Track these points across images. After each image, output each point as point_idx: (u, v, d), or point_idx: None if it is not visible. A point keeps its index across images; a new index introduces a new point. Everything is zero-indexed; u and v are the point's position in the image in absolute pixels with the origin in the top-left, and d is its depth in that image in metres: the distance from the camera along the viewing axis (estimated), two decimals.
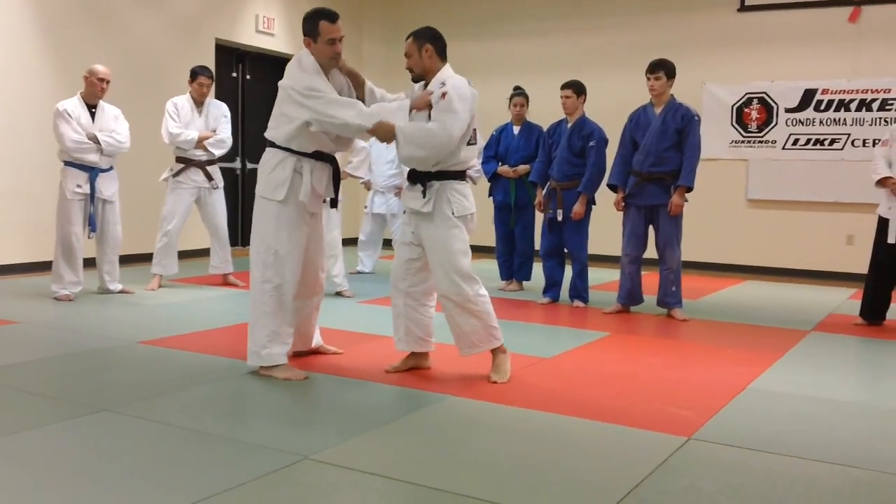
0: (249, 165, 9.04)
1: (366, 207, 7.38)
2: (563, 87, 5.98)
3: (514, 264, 6.74)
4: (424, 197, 3.68)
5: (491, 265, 7.08)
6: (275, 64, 9.38)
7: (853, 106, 8.04)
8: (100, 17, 7.35)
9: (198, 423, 3.04)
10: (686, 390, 3.71)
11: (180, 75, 6.64)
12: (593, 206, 6.03)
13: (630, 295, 5.71)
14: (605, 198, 6.00)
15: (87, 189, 5.64)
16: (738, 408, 3.46)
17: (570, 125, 5.99)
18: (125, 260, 6.05)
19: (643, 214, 5.59)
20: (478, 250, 9.28)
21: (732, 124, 8.54)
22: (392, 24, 10.36)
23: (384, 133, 3.62)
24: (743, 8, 8.47)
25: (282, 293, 3.71)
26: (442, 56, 3.75)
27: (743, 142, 8.52)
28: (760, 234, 8.46)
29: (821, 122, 8.18)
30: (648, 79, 5.50)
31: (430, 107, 3.67)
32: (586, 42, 9.18)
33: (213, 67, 8.11)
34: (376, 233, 7.42)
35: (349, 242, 7.85)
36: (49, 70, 6.95)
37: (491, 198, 6.75)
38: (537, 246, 6.45)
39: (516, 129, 6.66)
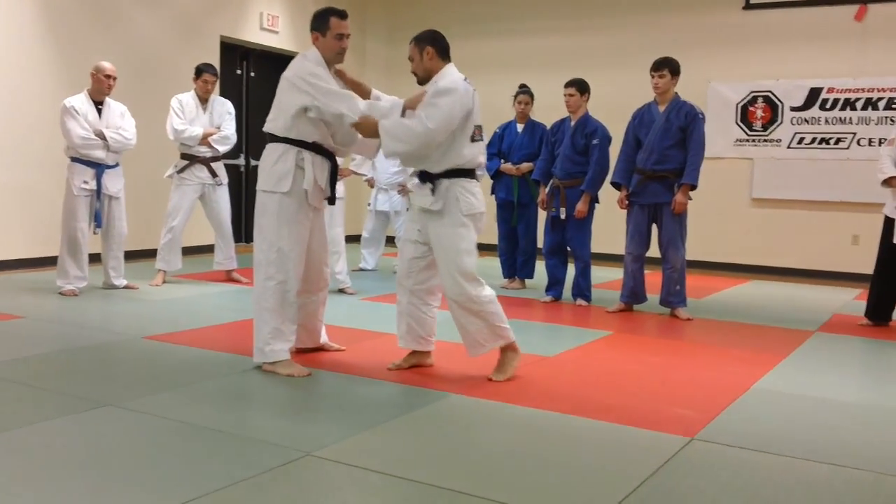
0: (253, 162, 9.04)
1: (369, 205, 7.39)
2: (567, 85, 5.97)
3: (516, 262, 6.74)
4: (433, 195, 3.68)
5: (493, 263, 7.08)
6: (279, 61, 9.36)
7: (859, 105, 8.02)
8: (105, 14, 7.36)
9: (201, 419, 3.05)
10: (689, 390, 3.71)
11: (185, 72, 6.65)
12: (596, 205, 6.03)
13: (633, 294, 5.70)
14: (609, 196, 5.99)
15: (93, 185, 5.66)
16: (742, 408, 3.45)
17: (573, 123, 5.98)
18: (130, 256, 6.07)
19: (647, 213, 5.58)
20: (480, 248, 9.25)
21: (737, 123, 8.52)
22: (395, 24, 10.37)
23: (368, 128, 3.66)
24: (748, 6, 8.45)
25: (285, 290, 3.72)
26: (444, 56, 3.75)
27: (748, 140, 8.50)
28: (765, 233, 8.44)
29: (826, 120, 8.15)
30: (653, 77, 5.49)
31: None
32: (590, 40, 9.16)
33: (217, 65, 8.13)
34: (379, 230, 7.43)
35: (352, 240, 7.86)
36: (54, 67, 6.97)
37: (494, 195, 6.75)
38: (540, 244, 6.45)
39: (520, 127, 6.65)
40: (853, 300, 6.73)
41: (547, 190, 6.12)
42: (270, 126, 3.79)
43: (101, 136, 5.63)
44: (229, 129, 6.37)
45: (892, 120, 7.84)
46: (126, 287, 5.93)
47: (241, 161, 9.08)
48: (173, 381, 3.55)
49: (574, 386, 3.74)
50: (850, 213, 8.08)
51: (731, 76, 8.53)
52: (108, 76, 5.67)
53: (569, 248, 6.12)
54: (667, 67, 5.44)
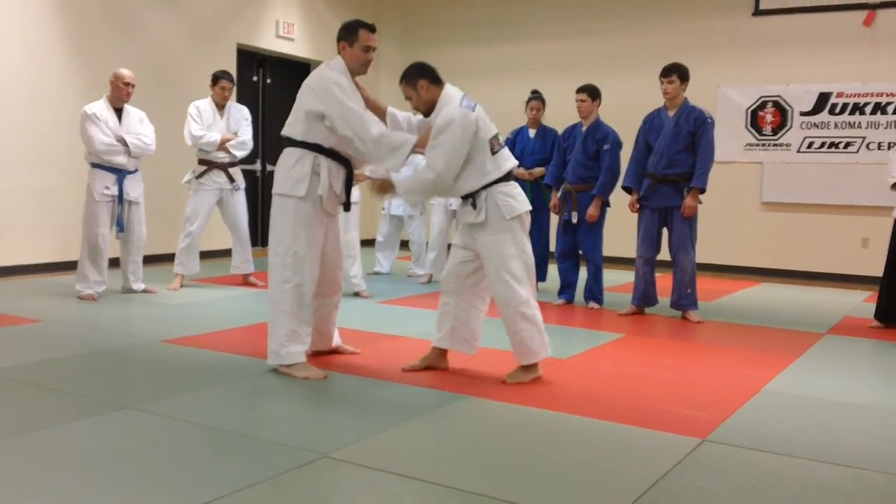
0: (270, 167, 9.14)
1: (383, 209, 7.45)
2: (578, 90, 6.02)
3: None
4: (475, 209, 3.73)
5: None
6: (294, 68, 9.51)
7: (868, 109, 8.03)
8: (123, 21, 7.46)
9: (218, 421, 3.10)
10: (701, 392, 3.75)
11: (202, 79, 6.74)
12: (608, 209, 6.07)
13: (644, 296, 5.74)
14: (620, 200, 6.04)
15: (114, 191, 5.74)
16: (753, 410, 3.48)
17: (584, 129, 6.03)
18: (148, 260, 6.15)
19: (657, 216, 5.63)
20: None
21: (747, 127, 8.55)
22: (408, 28, 10.45)
23: (384, 188, 3.82)
24: (757, 12, 8.47)
25: (301, 293, 3.78)
26: (437, 82, 3.80)
27: (757, 145, 8.52)
28: (775, 236, 8.46)
29: (835, 125, 8.17)
30: (662, 82, 5.54)
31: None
32: (601, 46, 9.21)
33: (234, 71, 8.25)
34: (393, 234, 7.49)
35: (367, 243, 7.92)
36: (73, 73, 7.07)
37: None
38: (552, 248, 6.50)
39: (532, 133, 6.70)
40: (863, 302, 6.74)
41: (559, 194, 6.17)
42: (288, 130, 3.84)
43: (123, 141, 5.72)
44: (246, 134, 6.45)
45: None
46: (144, 291, 6.01)
47: (258, 166, 9.17)
48: (191, 384, 3.61)
49: (586, 388, 3.78)
50: (859, 216, 8.09)
51: (741, 81, 8.55)
52: (127, 83, 5.76)
53: (581, 252, 6.16)
54: (676, 73, 5.49)
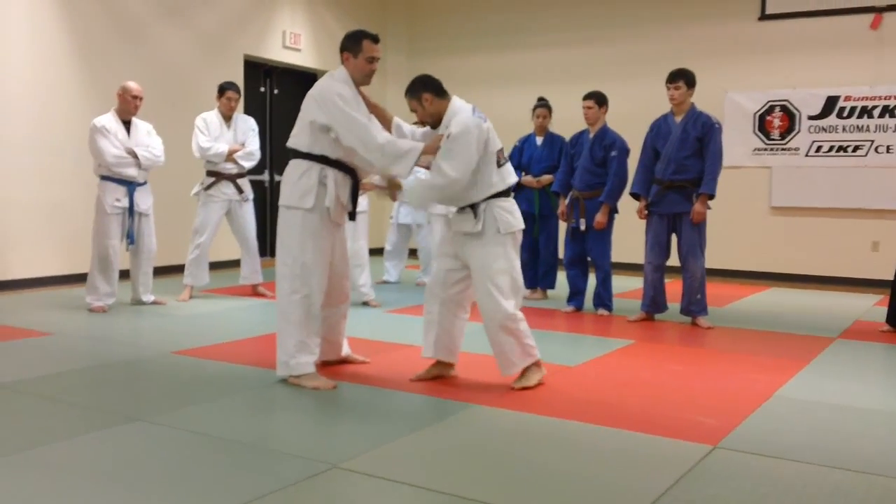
0: (278, 178, 9.17)
1: (391, 218, 7.47)
2: (585, 97, 6.03)
3: (538, 273, 6.78)
4: (475, 218, 3.74)
5: None
6: (302, 78, 9.56)
7: (876, 112, 8.00)
8: (131, 34, 7.52)
9: (229, 432, 3.11)
10: (711, 398, 3.74)
11: (210, 91, 6.78)
12: (616, 215, 6.07)
13: (654, 303, 5.73)
14: (628, 206, 6.03)
15: (125, 203, 5.77)
16: (764, 416, 3.47)
17: (592, 135, 6.03)
18: (157, 271, 6.18)
19: (666, 222, 5.62)
20: None
21: (755, 132, 8.53)
22: (414, 37, 10.49)
23: (393, 186, 3.89)
24: (764, 16, 8.47)
25: (309, 303, 3.79)
26: (442, 94, 3.81)
27: (766, 149, 8.50)
28: (785, 241, 8.43)
29: (844, 128, 8.14)
30: (669, 88, 5.54)
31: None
32: (607, 52, 9.22)
33: (241, 82, 8.30)
34: (402, 243, 7.51)
35: (375, 252, 7.94)
36: (81, 86, 7.13)
37: None
38: (561, 255, 6.50)
39: (539, 140, 6.71)
40: (874, 306, 6.70)
41: (567, 201, 6.17)
42: (294, 142, 3.86)
43: (133, 153, 5.76)
44: (253, 145, 6.48)
45: None
46: (154, 302, 6.04)
47: (266, 177, 9.21)
48: (201, 396, 3.62)
49: (596, 395, 3.78)
50: (869, 219, 8.05)
51: (748, 86, 8.54)
52: (135, 96, 5.80)
53: (589, 259, 6.16)
54: (682, 79, 5.49)
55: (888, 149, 7.93)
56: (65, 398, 3.57)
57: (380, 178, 6.78)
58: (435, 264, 3.98)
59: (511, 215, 3.79)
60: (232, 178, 6.41)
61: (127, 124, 5.83)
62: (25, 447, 2.91)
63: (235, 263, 7.16)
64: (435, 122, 3.84)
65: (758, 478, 2.74)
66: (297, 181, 3.79)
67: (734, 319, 5.94)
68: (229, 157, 6.33)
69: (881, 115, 7.98)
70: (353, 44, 3.84)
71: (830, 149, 8.21)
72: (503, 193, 3.80)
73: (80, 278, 6.54)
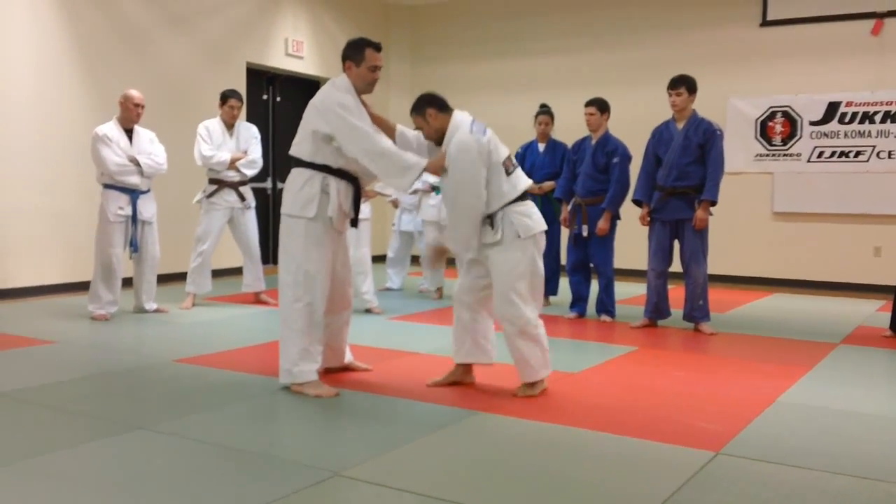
0: (280, 185, 9.20)
1: (393, 225, 7.48)
2: (587, 104, 6.04)
3: None
4: (493, 229, 3.74)
5: None
6: (304, 86, 9.59)
7: (877, 118, 8.01)
8: (133, 42, 7.55)
9: (231, 440, 3.11)
10: (714, 404, 3.73)
11: (212, 98, 6.80)
12: (618, 221, 6.07)
13: (657, 309, 5.73)
14: (631, 212, 6.04)
15: (128, 211, 5.78)
16: (767, 422, 3.47)
17: (594, 142, 6.04)
18: (160, 279, 6.17)
19: (668, 229, 5.62)
20: None
21: (757, 138, 8.54)
22: (417, 44, 10.52)
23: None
24: (765, 23, 8.49)
25: (312, 311, 3.79)
26: (445, 110, 3.81)
27: (768, 155, 8.51)
28: (787, 246, 8.43)
29: (845, 134, 8.15)
30: (670, 94, 5.55)
31: (445, 171, 3.77)
32: (609, 59, 9.24)
33: (244, 90, 8.32)
34: (404, 250, 7.51)
35: (378, 259, 7.95)
36: (84, 94, 7.15)
37: None
38: (563, 261, 6.50)
39: (541, 147, 6.72)
40: (876, 312, 6.69)
41: (569, 208, 6.18)
42: (296, 150, 3.86)
43: (135, 162, 5.77)
44: (256, 153, 6.49)
45: None
46: (156, 310, 6.04)
47: (269, 184, 9.23)
48: (204, 404, 3.62)
49: (599, 402, 3.78)
50: (871, 225, 8.05)
51: (750, 92, 8.56)
52: (137, 104, 5.81)
53: (592, 265, 6.16)
54: (684, 85, 5.50)
55: (890, 154, 7.94)
56: (67, 407, 3.57)
57: (382, 185, 6.82)
58: (461, 272, 3.97)
59: (529, 218, 3.77)
60: (234, 186, 6.42)
61: (129, 132, 5.84)
62: (28, 456, 2.91)
63: (238, 271, 7.17)
64: (439, 138, 3.82)
65: (761, 483, 2.74)
66: (299, 190, 3.80)
67: (737, 325, 5.94)
68: (232, 164, 6.34)
69: (883, 121, 7.98)
70: (356, 52, 3.84)
71: (832, 154, 8.21)
72: (518, 199, 3.78)
73: (82, 286, 6.55)
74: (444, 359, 4.36)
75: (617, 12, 9.24)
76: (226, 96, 6.42)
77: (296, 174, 3.85)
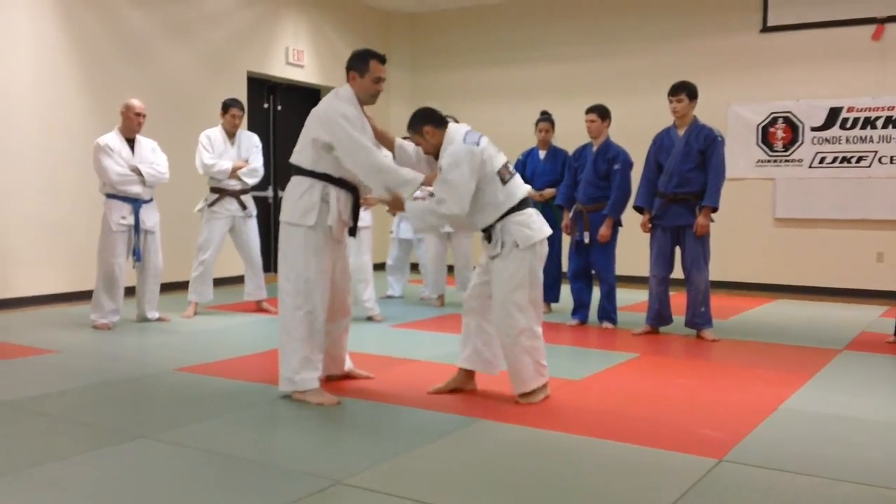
0: (281, 194, 9.18)
1: (391, 232, 7.48)
2: (588, 111, 6.05)
3: None
4: (492, 241, 3.76)
5: None
6: (305, 94, 9.61)
7: (879, 123, 8.01)
8: (135, 51, 7.57)
9: (232, 449, 3.11)
10: (717, 411, 3.72)
11: (213, 107, 6.82)
12: (620, 228, 6.07)
13: (659, 316, 5.72)
14: (632, 218, 6.03)
15: (131, 220, 5.79)
16: (770, 429, 3.46)
17: (595, 149, 6.05)
18: (162, 288, 6.18)
19: (669, 235, 5.62)
20: None
21: (758, 144, 8.54)
22: (417, 53, 10.54)
23: (395, 203, 3.79)
24: (765, 29, 8.50)
25: (313, 319, 3.79)
26: (441, 125, 3.81)
27: (769, 161, 8.51)
28: (789, 252, 8.41)
29: (847, 139, 8.15)
30: (671, 101, 5.55)
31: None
32: (610, 66, 9.26)
33: (245, 99, 8.33)
34: (403, 258, 7.51)
35: (378, 267, 7.94)
36: (85, 104, 7.17)
37: None
38: (565, 268, 6.49)
39: (542, 154, 6.73)
40: (879, 317, 6.68)
41: (570, 215, 6.18)
42: (297, 158, 3.87)
43: (137, 171, 5.78)
44: (257, 161, 6.50)
45: None
46: (158, 319, 6.04)
47: (270, 193, 9.25)
48: (206, 412, 3.62)
49: (601, 409, 3.77)
50: (874, 230, 8.04)
51: (751, 98, 8.56)
52: (138, 114, 5.82)
53: (594, 272, 6.15)
54: (684, 92, 5.50)
55: (892, 159, 7.93)
56: (70, 416, 3.57)
57: (380, 193, 6.81)
58: (472, 279, 3.98)
59: (529, 228, 3.75)
60: (236, 195, 6.43)
61: (131, 142, 5.86)
62: (30, 465, 2.91)
63: (239, 279, 7.17)
64: (437, 151, 3.83)
65: (764, 491, 2.73)
66: (299, 199, 3.80)
67: (739, 332, 5.92)
68: (233, 173, 6.35)
69: (884, 126, 7.98)
70: (361, 63, 3.84)
71: (834, 160, 8.21)
72: (516, 208, 3.77)
73: (84, 295, 6.56)
74: (446, 366, 4.35)
75: (617, 20, 9.26)
76: (227, 105, 6.44)
77: (296, 182, 3.85)
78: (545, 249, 3.86)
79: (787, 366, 4.76)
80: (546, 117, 6.73)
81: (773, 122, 8.47)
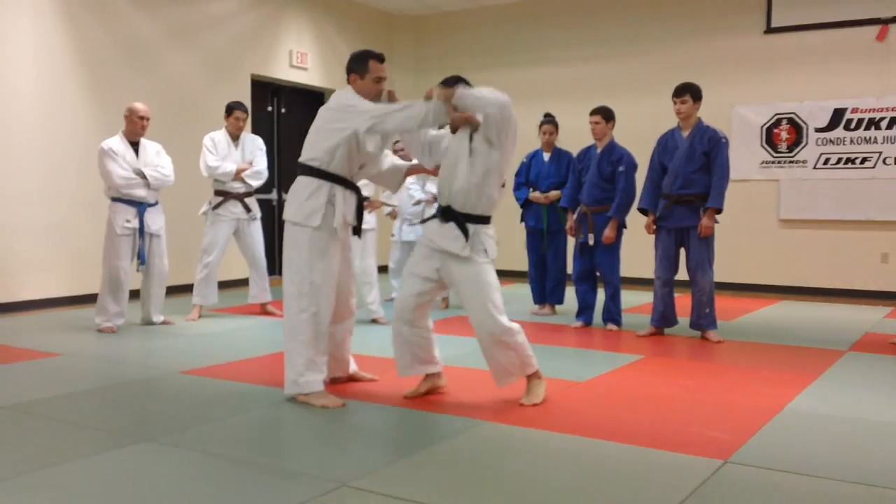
0: (285, 196, 9.20)
1: (392, 236, 7.48)
2: (592, 113, 6.05)
3: (546, 288, 6.77)
4: (467, 240, 3.72)
5: (524, 289, 7.12)
6: (308, 97, 9.63)
7: (883, 124, 8.00)
8: (138, 55, 7.59)
9: (238, 452, 3.11)
10: (721, 413, 3.71)
11: (217, 110, 6.84)
12: (624, 230, 6.06)
13: (663, 317, 5.71)
14: (637, 220, 6.03)
15: (135, 224, 5.80)
16: (775, 430, 3.45)
17: (599, 151, 6.04)
18: (166, 291, 6.19)
19: (674, 237, 5.61)
20: (511, 275, 9.37)
21: (762, 145, 8.53)
22: (421, 56, 10.55)
23: (445, 97, 3.65)
24: (769, 30, 8.49)
25: (318, 321, 3.79)
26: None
27: (773, 162, 8.49)
28: (794, 253, 8.40)
29: (851, 140, 8.13)
30: (675, 102, 5.55)
31: (469, 123, 3.75)
32: (613, 68, 9.25)
33: (248, 102, 8.36)
34: (405, 260, 7.49)
35: (380, 270, 7.94)
36: (89, 108, 7.19)
37: (523, 223, 6.83)
38: (569, 270, 6.49)
39: (546, 156, 6.72)
40: (884, 318, 6.67)
41: (575, 217, 6.17)
42: (307, 157, 3.83)
43: (141, 174, 5.79)
44: (261, 164, 6.51)
45: None
46: (163, 322, 6.05)
47: (274, 195, 9.26)
48: (210, 415, 3.62)
49: (606, 411, 3.76)
50: (878, 231, 8.02)
51: (755, 99, 8.56)
52: (142, 117, 5.83)
53: (598, 274, 6.15)
54: (688, 93, 5.50)
55: None
56: (74, 419, 3.58)
57: (387, 195, 6.83)
58: (404, 287, 3.90)
59: (493, 242, 3.82)
60: (240, 197, 6.44)
61: (135, 146, 5.87)
62: (34, 468, 2.92)
63: (244, 282, 7.17)
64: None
65: (769, 492, 2.72)
66: (305, 200, 3.79)
67: (744, 333, 5.91)
68: (237, 176, 6.36)
69: (889, 127, 7.97)
70: (360, 65, 3.85)
71: (838, 161, 8.19)
72: (490, 220, 3.81)
73: (86, 299, 6.57)
74: (450, 368, 4.36)
75: (620, 21, 9.26)
76: (231, 108, 6.45)
77: (303, 183, 3.83)
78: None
79: (792, 367, 4.75)
80: (549, 119, 6.73)
81: (777, 123, 8.46)
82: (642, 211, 5.76)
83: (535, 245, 6.78)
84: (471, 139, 3.76)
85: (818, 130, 8.28)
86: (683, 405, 3.85)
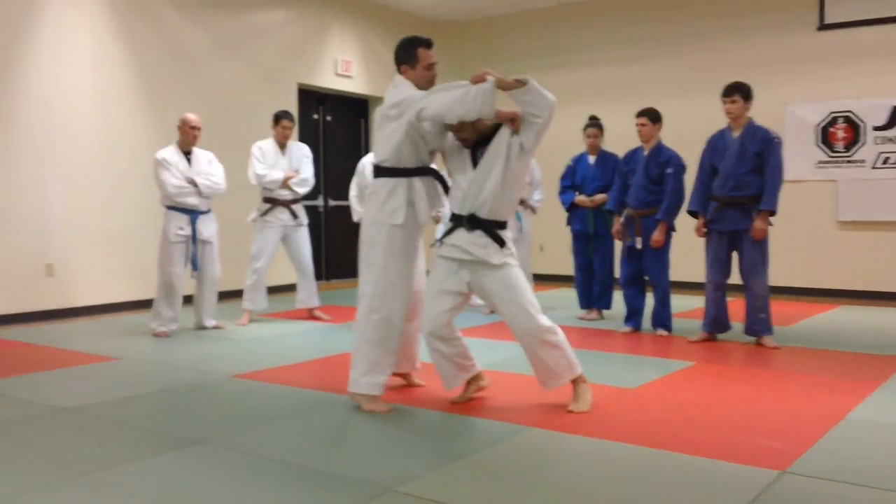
0: (332, 203, 9.32)
1: (433, 246, 7.45)
2: (638, 114, 5.96)
3: (593, 293, 6.70)
4: (502, 248, 3.69)
5: (571, 294, 7.05)
6: (353, 104, 9.72)
7: None
8: (190, 68, 7.78)
9: (286, 455, 3.14)
10: (778, 421, 3.61)
11: (265, 119, 6.95)
12: (673, 233, 5.96)
13: (716, 322, 5.59)
14: (686, 223, 5.92)
15: (188, 231, 5.92)
16: (836, 439, 3.34)
17: (646, 153, 5.95)
18: (218, 296, 6.30)
19: (725, 240, 5.49)
20: (558, 279, 9.28)
21: (818, 145, 8.31)
22: (465, 60, 10.55)
23: (504, 85, 3.66)
24: (822, 27, 8.28)
25: (388, 323, 3.76)
26: None
27: (830, 162, 8.27)
28: (853, 256, 8.15)
29: None
30: (724, 102, 5.43)
31: (512, 121, 3.72)
32: (660, 68, 9.13)
33: (295, 110, 8.48)
34: None
35: None
36: (146, 119, 7.40)
37: (569, 227, 6.77)
38: (617, 274, 6.41)
39: (592, 159, 6.66)
40: None
41: (622, 220, 6.09)
42: (380, 157, 3.80)
43: (193, 183, 5.91)
44: (308, 171, 6.60)
45: None
46: (215, 327, 6.16)
47: (320, 202, 9.35)
48: (261, 419, 3.67)
49: (657, 418, 3.69)
50: None
51: (809, 98, 8.35)
52: (194, 127, 5.97)
53: (647, 278, 6.06)
54: (738, 93, 5.38)
55: None
56: (131, 422, 3.66)
57: (438, 211, 6.81)
58: (432, 306, 3.81)
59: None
60: (287, 204, 6.52)
61: (188, 155, 6.00)
62: (93, 470, 2.98)
63: (292, 288, 7.26)
64: (481, 137, 3.77)
65: None
66: (386, 200, 3.74)
67: (801, 339, 5.75)
68: (284, 183, 6.45)
69: None
70: (408, 54, 3.80)
71: None
72: (506, 224, 3.78)
73: (145, 304, 6.73)
74: (498, 373, 4.33)
75: (667, 21, 9.13)
76: (278, 117, 6.55)
77: (380, 184, 3.79)
78: None
79: (853, 374, 4.60)
80: (594, 122, 6.67)
81: (833, 121, 8.23)
82: (692, 213, 5.65)
83: (581, 249, 6.72)
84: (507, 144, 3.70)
85: (876, 129, 8.03)
86: (738, 413, 3.75)
